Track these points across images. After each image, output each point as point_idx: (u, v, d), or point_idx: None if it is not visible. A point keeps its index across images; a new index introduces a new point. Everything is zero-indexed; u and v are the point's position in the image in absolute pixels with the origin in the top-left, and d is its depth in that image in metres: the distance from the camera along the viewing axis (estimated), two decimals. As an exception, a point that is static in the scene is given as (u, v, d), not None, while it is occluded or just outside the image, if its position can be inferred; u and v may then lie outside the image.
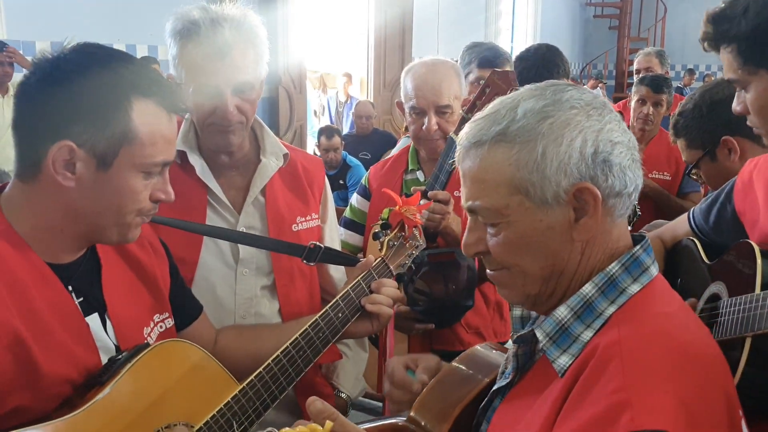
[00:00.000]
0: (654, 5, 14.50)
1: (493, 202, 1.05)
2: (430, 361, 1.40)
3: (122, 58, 1.25)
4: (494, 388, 1.17)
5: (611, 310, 1.03)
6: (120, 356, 1.26)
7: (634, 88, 4.00)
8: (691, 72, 13.04)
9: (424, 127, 2.20)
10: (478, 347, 1.38)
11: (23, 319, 1.15)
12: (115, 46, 1.30)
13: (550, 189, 1.01)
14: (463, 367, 1.32)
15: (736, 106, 1.49)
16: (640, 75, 4.57)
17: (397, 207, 1.78)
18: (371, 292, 1.67)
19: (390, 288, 1.68)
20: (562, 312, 1.05)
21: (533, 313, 1.26)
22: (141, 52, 6.04)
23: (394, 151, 2.78)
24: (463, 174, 1.10)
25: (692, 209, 1.91)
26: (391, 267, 1.74)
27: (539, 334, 1.06)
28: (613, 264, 1.05)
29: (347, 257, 1.89)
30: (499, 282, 1.13)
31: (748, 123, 1.50)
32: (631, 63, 13.85)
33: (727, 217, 1.72)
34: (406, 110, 2.28)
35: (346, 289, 1.64)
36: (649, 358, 0.94)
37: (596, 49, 15.09)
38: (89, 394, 1.20)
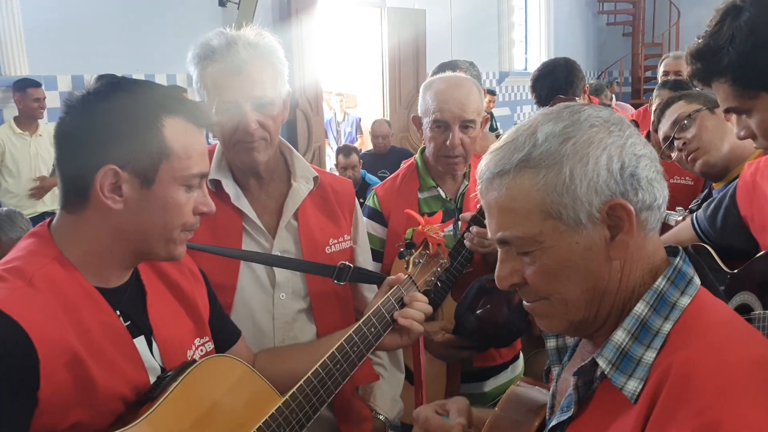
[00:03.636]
0: (667, 10, 14.42)
1: (526, 230, 1.03)
2: (461, 403, 1.38)
3: (144, 84, 1.32)
4: (553, 423, 1.12)
5: (667, 326, 1.01)
6: (168, 374, 1.30)
7: (655, 92, 3.98)
8: (708, 75, 12.89)
9: (447, 142, 2.16)
10: (516, 387, 1.36)
11: (79, 338, 1.20)
12: (134, 77, 1.37)
13: (583, 209, 1.00)
14: (512, 412, 1.29)
15: (739, 132, 1.47)
16: (668, 77, 4.54)
17: (420, 227, 1.80)
18: (401, 307, 1.68)
19: (421, 303, 1.69)
20: (619, 336, 1.03)
21: (569, 342, 1.24)
22: (159, 81, 6.13)
23: None
24: (489, 205, 1.08)
25: (695, 214, 1.87)
26: (418, 284, 1.76)
27: (602, 362, 1.03)
28: (659, 280, 1.04)
29: (377, 276, 1.90)
30: (539, 313, 1.10)
31: (755, 146, 1.48)
32: (647, 69, 13.85)
33: (734, 221, 1.70)
34: (426, 124, 2.22)
35: (376, 305, 1.65)
36: (727, 372, 0.91)
37: (611, 57, 15.03)
38: (141, 409, 1.24)
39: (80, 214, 1.27)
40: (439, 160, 2.24)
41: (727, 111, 1.45)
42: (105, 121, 1.24)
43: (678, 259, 1.06)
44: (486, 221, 1.11)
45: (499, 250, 1.10)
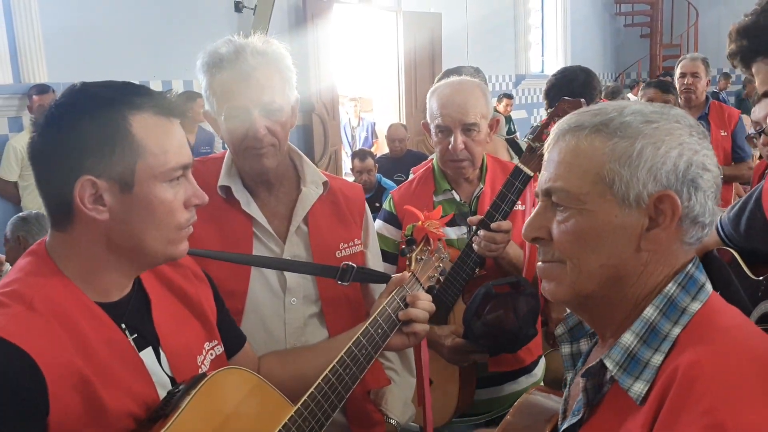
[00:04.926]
0: (685, 10, 14.33)
1: (574, 185, 1.05)
2: None
3: (108, 85, 1.27)
4: (564, 427, 1.12)
5: (676, 331, 1.01)
6: (179, 388, 1.27)
7: (641, 92, 4.09)
8: (726, 76, 12.81)
9: (450, 147, 2.18)
10: (529, 396, 1.36)
11: (83, 358, 1.17)
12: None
13: (636, 188, 1.01)
14: (523, 419, 1.30)
15: None
16: (685, 79, 4.57)
17: (420, 222, 1.80)
18: (406, 306, 1.68)
19: (425, 302, 1.69)
20: (627, 338, 1.04)
21: (583, 348, 1.24)
22: (176, 87, 6.18)
23: None
24: (550, 158, 1.10)
25: (719, 218, 1.85)
26: (421, 281, 1.76)
27: (609, 364, 1.04)
28: (669, 285, 1.04)
29: (380, 275, 1.89)
30: (548, 275, 1.11)
31: None
32: (665, 69, 13.75)
33: (759, 225, 1.67)
34: (432, 130, 2.26)
35: (382, 305, 1.64)
36: (733, 374, 0.92)
37: (629, 59, 14.96)
38: (154, 427, 1.22)
39: (69, 230, 1.24)
40: (446, 164, 2.27)
41: (766, 94, 1.42)
42: (71, 133, 1.19)
43: (690, 265, 1.07)
44: (540, 174, 1.13)
45: (539, 203, 1.12)
